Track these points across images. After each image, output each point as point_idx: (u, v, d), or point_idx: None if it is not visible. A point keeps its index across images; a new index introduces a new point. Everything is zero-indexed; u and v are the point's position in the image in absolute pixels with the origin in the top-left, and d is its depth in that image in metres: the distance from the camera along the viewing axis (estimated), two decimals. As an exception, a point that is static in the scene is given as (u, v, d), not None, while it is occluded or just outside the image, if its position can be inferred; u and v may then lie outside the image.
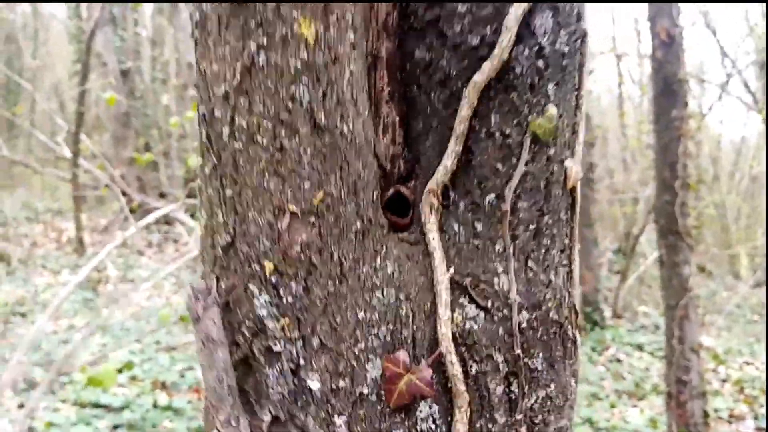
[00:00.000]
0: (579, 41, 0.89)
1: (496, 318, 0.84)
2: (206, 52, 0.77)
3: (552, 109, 0.85)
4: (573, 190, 0.92)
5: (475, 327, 0.83)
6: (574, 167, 0.92)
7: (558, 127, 0.86)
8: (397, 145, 0.89)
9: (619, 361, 6.43)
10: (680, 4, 3.94)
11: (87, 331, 3.87)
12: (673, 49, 3.92)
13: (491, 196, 0.85)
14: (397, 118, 0.89)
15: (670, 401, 4.03)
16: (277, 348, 0.80)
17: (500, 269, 0.85)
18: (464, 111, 0.83)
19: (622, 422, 4.74)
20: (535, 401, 0.86)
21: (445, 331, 0.81)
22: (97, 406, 3.87)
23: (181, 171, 10.61)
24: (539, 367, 0.86)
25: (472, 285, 0.84)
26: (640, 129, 10.33)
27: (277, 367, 0.80)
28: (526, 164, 0.85)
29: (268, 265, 0.78)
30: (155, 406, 3.95)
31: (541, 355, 0.87)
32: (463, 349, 0.83)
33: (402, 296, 0.82)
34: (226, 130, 0.78)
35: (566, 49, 0.85)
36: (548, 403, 0.87)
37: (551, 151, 0.86)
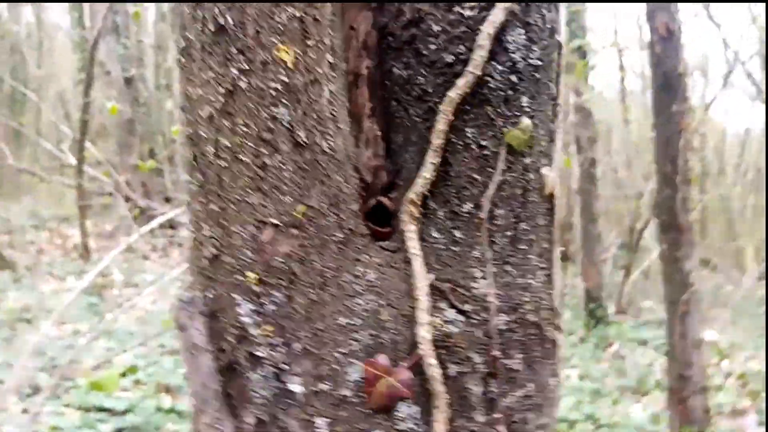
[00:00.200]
0: (552, 54, 0.93)
1: (474, 321, 0.88)
2: (191, 77, 0.82)
3: (526, 121, 0.89)
4: (551, 196, 0.96)
5: (454, 330, 0.87)
6: (551, 175, 0.96)
7: (533, 138, 0.90)
8: (379, 157, 0.94)
9: (622, 357, 6.45)
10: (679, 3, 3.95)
11: (91, 335, 3.92)
12: (673, 44, 3.92)
13: (469, 205, 0.89)
14: (379, 132, 0.93)
15: (672, 397, 4.05)
16: (260, 353, 0.84)
17: (478, 274, 0.89)
18: (441, 125, 0.87)
19: (625, 418, 4.76)
20: (514, 400, 0.90)
21: (424, 334, 0.84)
22: (101, 409, 3.89)
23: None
24: (517, 368, 0.90)
25: (451, 290, 0.88)
26: (645, 122, 10.30)
27: (261, 372, 0.84)
28: (503, 173, 0.89)
29: (252, 276, 0.82)
30: (159, 409, 3.98)
31: (519, 355, 0.90)
32: (443, 351, 0.86)
33: (383, 302, 0.86)
34: (211, 149, 0.82)
35: (539, 62, 0.89)
36: (527, 401, 0.91)
37: (527, 161, 0.90)
